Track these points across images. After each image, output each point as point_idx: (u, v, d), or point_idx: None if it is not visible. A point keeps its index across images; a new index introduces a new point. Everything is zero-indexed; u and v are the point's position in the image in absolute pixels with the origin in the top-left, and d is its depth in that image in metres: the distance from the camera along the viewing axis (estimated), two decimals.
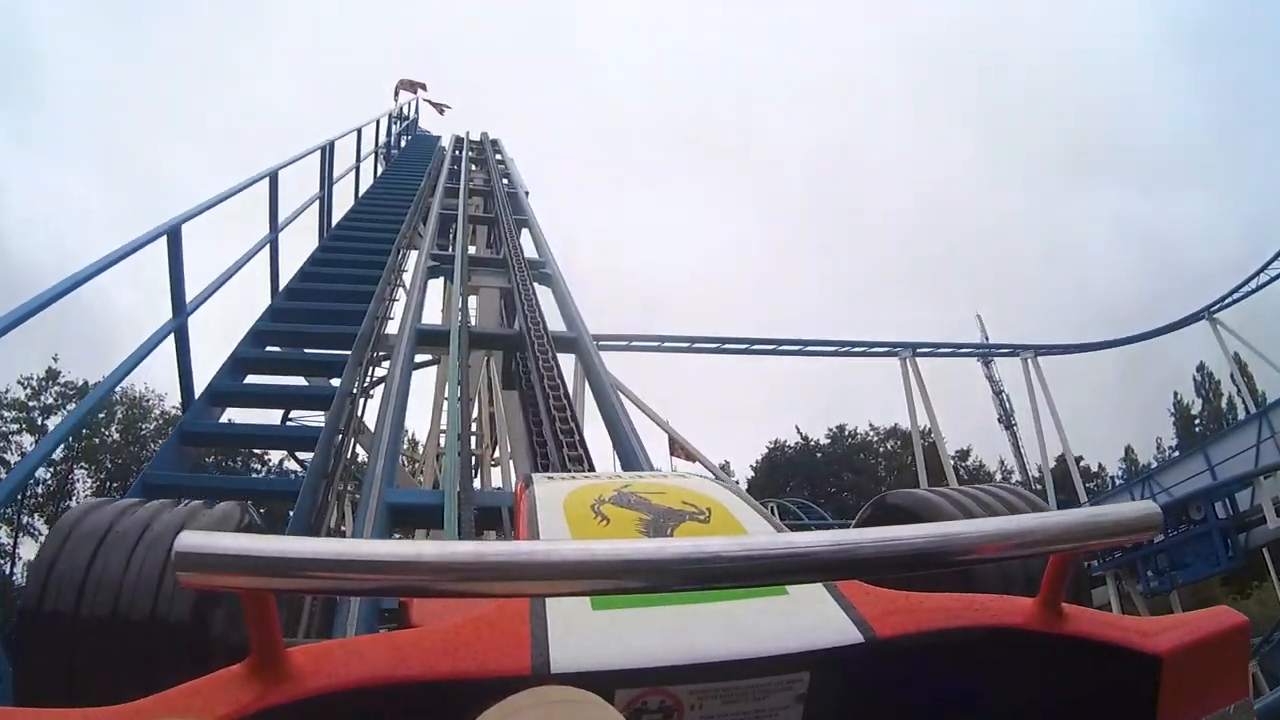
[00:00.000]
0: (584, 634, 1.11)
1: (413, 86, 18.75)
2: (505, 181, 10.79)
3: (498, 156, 12.99)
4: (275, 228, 6.06)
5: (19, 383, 30.06)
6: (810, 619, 1.17)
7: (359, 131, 9.72)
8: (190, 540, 0.80)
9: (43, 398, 30.30)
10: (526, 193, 10.13)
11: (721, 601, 1.16)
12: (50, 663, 1.37)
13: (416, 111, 18.25)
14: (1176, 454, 37.04)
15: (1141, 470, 29.43)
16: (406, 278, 7.45)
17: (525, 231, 8.01)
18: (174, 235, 4.28)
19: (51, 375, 30.63)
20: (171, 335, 4.36)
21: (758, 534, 1.53)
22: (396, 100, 17.76)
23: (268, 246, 6.03)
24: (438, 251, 6.99)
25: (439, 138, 15.95)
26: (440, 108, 18.96)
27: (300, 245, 7.40)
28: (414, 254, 7.86)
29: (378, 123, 12.08)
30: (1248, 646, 1.24)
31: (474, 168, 12.02)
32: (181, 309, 4.39)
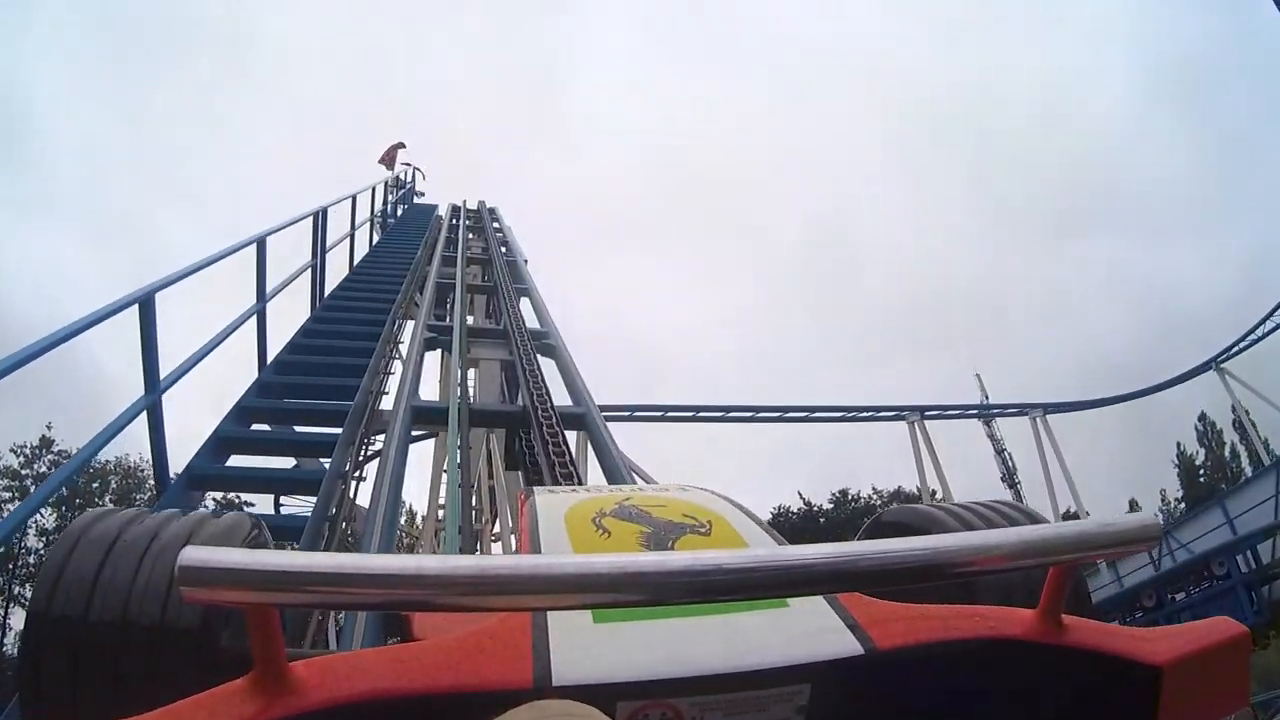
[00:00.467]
0: (585, 647, 1.11)
1: (393, 151, 18.35)
2: (504, 249, 10.58)
3: (495, 224, 12.84)
4: (263, 297, 5.76)
5: (12, 450, 30.11)
6: (811, 631, 1.17)
7: (354, 198, 9.52)
8: (193, 555, 0.81)
9: (36, 465, 30.03)
10: (525, 260, 9.91)
11: (722, 614, 1.16)
12: (57, 670, 1.35)
13: (413, 180, 18.06)
14: (1182, 505, 37.24)
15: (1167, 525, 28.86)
16: (403, 349, 7.18)
17: (525, 301, 7.74)
18: (146, 304, 3.90)
19: (45, 443, 30.52)
20: (144, 414, 3.99)
21: (758, 547, 1.51)
22: (391, 168, 17.55)
23: (254, 317, 5.73)
24: (435, 322, 6.69)
25: (435, 206, 15.78)
26: (409, 169, 18.44)
27: (293, 315, 7.15)
28: (410, 323, 7.62)
29: (373, 190, 11.94)
30: (1248, 656, 1.23)
31: (471, 235, 11.93)
32: (154, 386, 4.03)
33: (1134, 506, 40.58)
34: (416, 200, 17.37)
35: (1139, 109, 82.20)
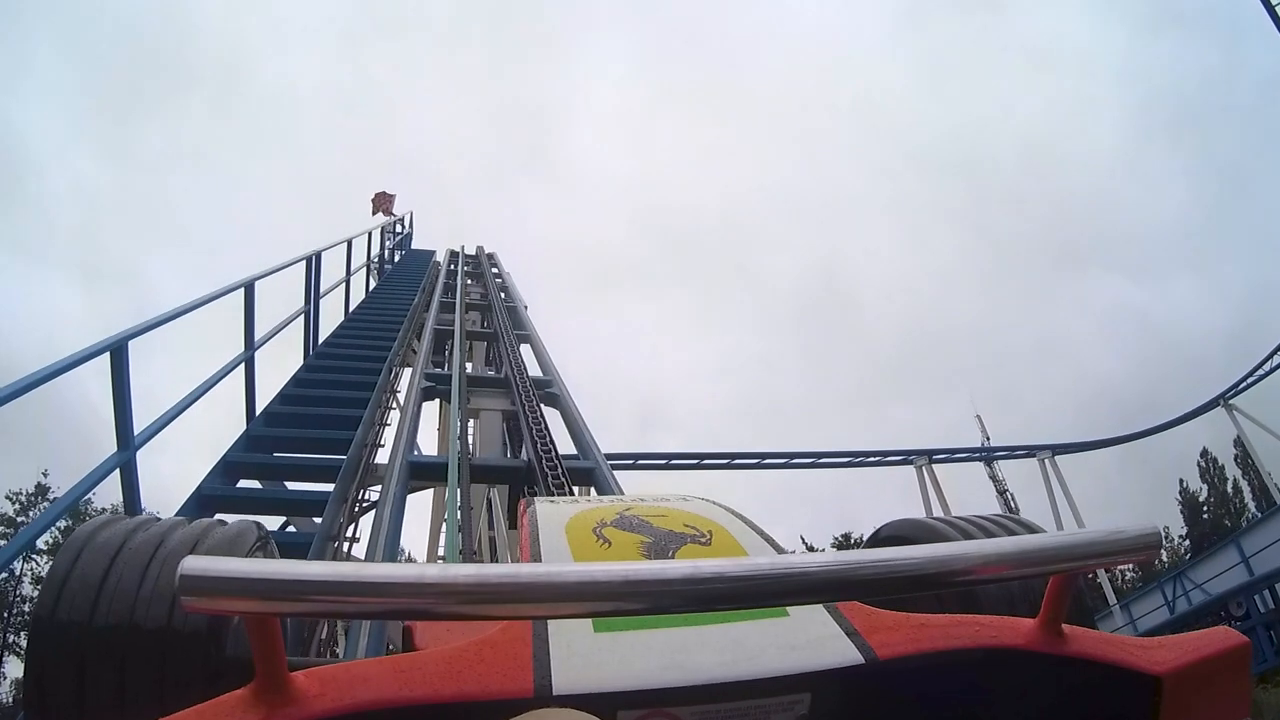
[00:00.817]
0: (586, 656, 1.11)
1: (386, 200, 18.16)
2: (503, 295, 10.36)
3: (494, 270, 12.65)
4: (251, 345, 5.45)
5: (7, 498, 30.30)
6: (811, 640, 1.17)
7: (349, 243, 9.26)
8: (194, 565, 0.81)
9: (32, 513, 29.82)
10: (525, 306, 9.68)
11: (723, 623, 1.17)
12: (61, 677, 1.34)
13: (411, 225, 17.70)
14: (1187, 543, 36.57)
15: (1175, 564, 28.31)
16: (400, 397, 6.89)
17: (526, 348, 7.46)
18: (118, 353, 3.57)
19: (41, 491, 30.48)
20: (117, 472, 3.66)
21: (759, 556, 1.46)
22: (386, 215, 17.25)
23: (243, 365, 5.43)
24: (433, 371, 6.41)
25: (433, 252, 15.54)
26: (401, 217, 18.02)
27: (287, 363, 6.88)
28: (408, 371, 7.33)
29: (369, 235, 11.67)
30: (1248, 667, 1.24)
31: (470, 281, 11.72)
32: (128, 442, 3.67)
33: None
34: (413, 246, 17.15)
35: (1133, 144, 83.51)
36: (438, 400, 6.06)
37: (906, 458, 21.33)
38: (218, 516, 1.99)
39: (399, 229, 16.77)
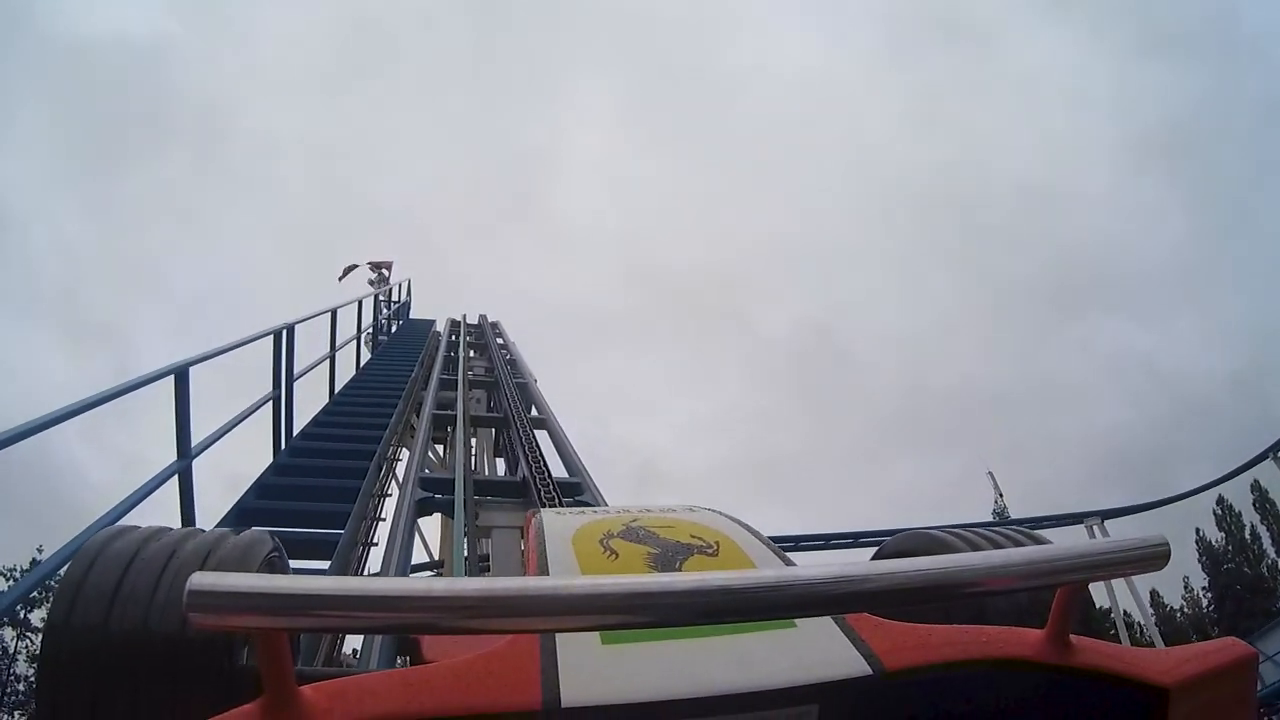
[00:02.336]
0: (594, 668, 1.12)
1: (378, 268, 17.14)
2: (510, 368, 9.12)
3: (499, 340, 11.56)
4: (187, 455, 4.04)
5: (1, 574, 30.32)
6: (818, 651, 1.18)
7: (333, 313, 7.72)
8: (202, 581, 0.81)
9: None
10: (535, 380, 8.40)
11: (730, 635, 1.17)
12: (74, 688, 1.35)
13: (409, 294, 16.47)
14: (1209, 594, 34.59)
15: (1196, 617, 26.54)
16: (390, 504, 5.57)
17: (542, 435, 6.13)
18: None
19: (35, 566, 28.92)
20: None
21: (766, 568, 1.50)
22: (383, 283, 16.13)
23: (176, 476, 4.07)
24: (430, 475, 5.08)
25: (433, 321, 14.33)
26: (382, 274, 17.23)
27: (256, 457, 5.57)
28: (401, 464, 6.09)
29: (359, 305, 9.96)
30: (1255, 678, 1.27)
31: (473, 354, 10.73)
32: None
33: (1156, 598, 38.17)
34: (411, 316, 16.11)
35: (1128, 176, 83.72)
36: (438, 515, 4.71)
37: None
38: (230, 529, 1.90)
39: (396, 297, 15.73)
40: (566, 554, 1.61)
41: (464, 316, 13.81)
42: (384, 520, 5.39)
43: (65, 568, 1.51)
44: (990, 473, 35.34)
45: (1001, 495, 39.00)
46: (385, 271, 17.09)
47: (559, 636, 1.15)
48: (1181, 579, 38.87)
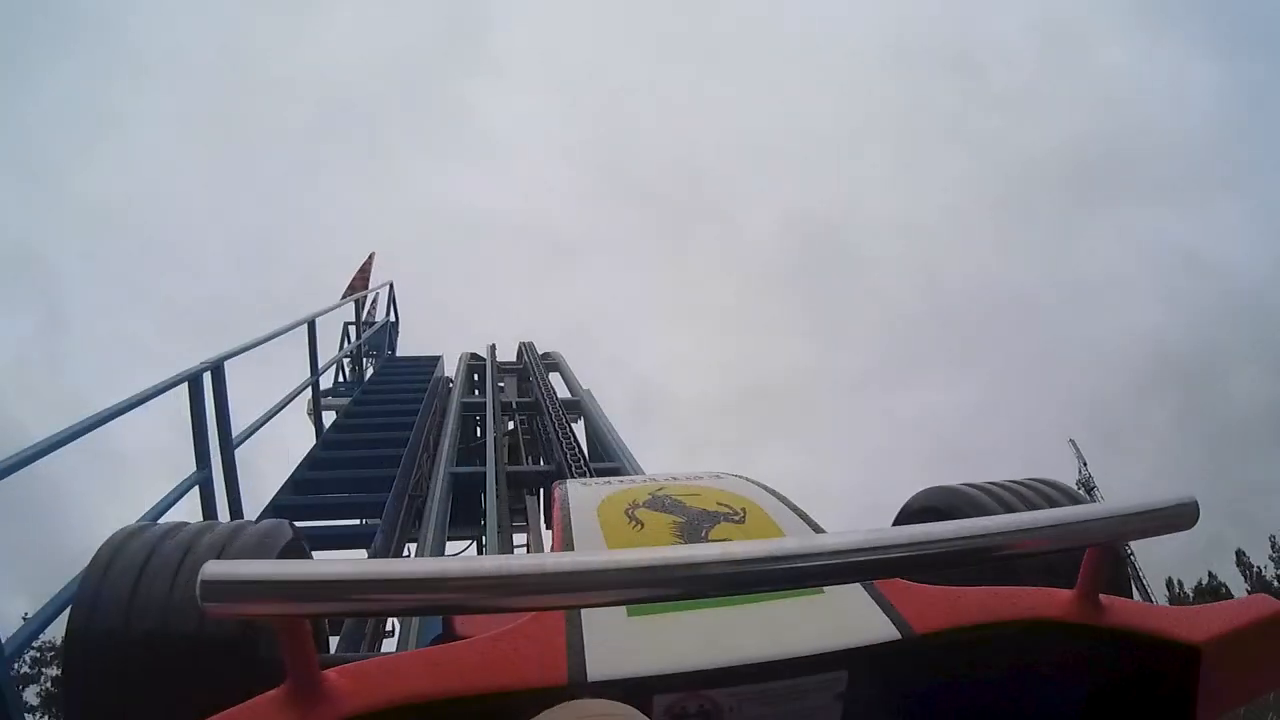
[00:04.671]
0: (620, 641, 1.11)
1: (365, 270, 11.38)
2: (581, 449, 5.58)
3: (552, 382, 7.83)
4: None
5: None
6: (847, 617, 1.17)
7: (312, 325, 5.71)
8: (215, 570, 0.80)
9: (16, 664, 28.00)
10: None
11: (758, 603, 1.16)
12: (96, 687, 1.34)
13: (395, 311, 10.82)
14: None
15: None
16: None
17: None
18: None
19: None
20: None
21: (793, 535, 1.53)
22: (363, 285, 10.95)
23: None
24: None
25: (435, 360, 9.12)
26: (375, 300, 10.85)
27: None
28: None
29: (311, 331, 5.83)
30: None
31: (510, 422, 7.05)
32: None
33: (1243, 558, 35.05)
34: (400, 351, 10.74)
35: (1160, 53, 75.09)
36: None
37: None
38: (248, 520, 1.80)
39: (374, 314, 10.43)
40: (592, 525, 1.60)
41: (491, 348, 9.01)
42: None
43: (82, 573, 1.49)
44: (1072, 440, 33.40)
45: (1085, 463, 36.64)
46: (363, 274, 11.40)
47: (585, 610, 1.14)
48: (1268, 537, 35.02)
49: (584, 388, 7.59)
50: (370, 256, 11.60)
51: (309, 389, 5.79)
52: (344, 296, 10.18)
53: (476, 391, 8.13)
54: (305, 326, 5.71)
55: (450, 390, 7.89)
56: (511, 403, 7.50)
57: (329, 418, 6.64)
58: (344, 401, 7.49)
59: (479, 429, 7.00)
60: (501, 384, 8.20)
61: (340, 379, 8.90)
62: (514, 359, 9.24)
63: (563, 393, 7.54)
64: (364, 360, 9.56)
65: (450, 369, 8.92)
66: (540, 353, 8.99)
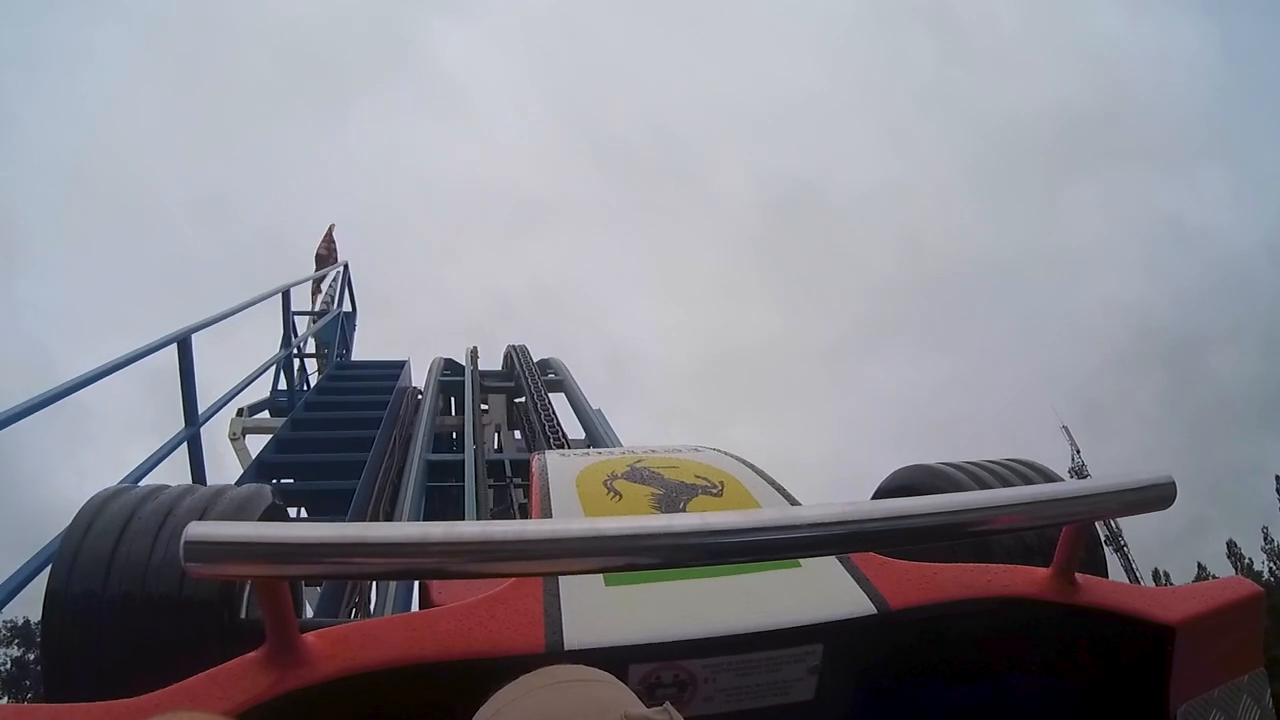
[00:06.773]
0: (597, 610, 1.12)
1: (329, 251, 9.96)
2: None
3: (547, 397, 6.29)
4: (194, 422, 3.99)
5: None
6: (823, 591, 1.18)
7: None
8: (198, 530, 0.80)
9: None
10: None
11: (734, 575, 1.17)
12: (76, 648, 1.34)
13: (350, 292, 9.31)
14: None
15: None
16: None
17: None
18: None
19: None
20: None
21: (770, 507, 1.53)
22: (332, 258, 9.80)
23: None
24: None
25: (403, 363, 7.68)
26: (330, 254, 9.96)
27: None
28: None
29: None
30: (1262, 616, 1.24)
31: (521, 432, 6.16)
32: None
33: (1234, 550, 35.44)
34: (355, 355, 9.27)
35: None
36: None
37: None
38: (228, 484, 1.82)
39: (329, 299, 9.08)
40: (570, 496, 1.60)
41: (472, 350, 7.48)
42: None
43: (62, 533, 1.48)
44: (1065, 427, 33.56)
45: (1078, 450, 37.05)
46: (329, 245, 10.13)
47: (562, 579, 1.15)
48: (1260, 529, 35.19)
49: (594, 407, 6.18)
50: (330, 228, 10.29)
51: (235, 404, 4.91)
52: (317, 271, 8.97)
53: (453, 437, 6.38)
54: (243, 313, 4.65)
55: (420, 405, 6.36)
56: (504, 461, 5.42)
57: (257, 443, 5.48)
58: (279, 423, 5.91)
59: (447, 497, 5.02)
60: (485, 406, 6.71)
61: (280, 386, 6.79)
62: (499, 366, 7.69)
63: (566, 415, 5.88)
64: (319, 358, 8.08)
65: (418, 377, 7.36)
66: (537, 360, 7.24)
